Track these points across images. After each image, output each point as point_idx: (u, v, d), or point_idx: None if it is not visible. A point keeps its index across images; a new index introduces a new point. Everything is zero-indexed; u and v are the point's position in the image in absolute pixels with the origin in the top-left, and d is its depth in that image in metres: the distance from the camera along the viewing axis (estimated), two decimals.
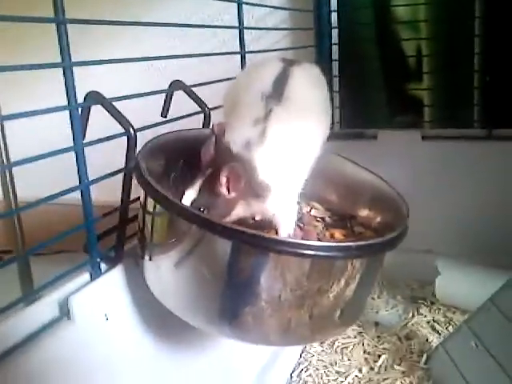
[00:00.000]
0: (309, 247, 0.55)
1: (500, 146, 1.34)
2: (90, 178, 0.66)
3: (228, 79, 0.87)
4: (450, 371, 1.02)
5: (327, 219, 0.81)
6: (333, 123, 1.50)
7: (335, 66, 1.48)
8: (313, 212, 0.82)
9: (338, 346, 1.17)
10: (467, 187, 1.37)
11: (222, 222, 0.56)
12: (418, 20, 1.40)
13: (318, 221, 0.81)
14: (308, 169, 0.72)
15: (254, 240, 0.55)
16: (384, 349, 1.14)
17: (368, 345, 1.16)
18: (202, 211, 0.63)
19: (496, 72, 1.34)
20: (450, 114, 1.40)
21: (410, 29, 1.40)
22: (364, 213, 0.78)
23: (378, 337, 1.19)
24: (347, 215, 0.81)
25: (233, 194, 0.64)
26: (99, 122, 0.70)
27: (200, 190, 0.64)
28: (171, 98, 0.77)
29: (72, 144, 0.63)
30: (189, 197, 0.63)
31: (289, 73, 0.72)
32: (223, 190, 0.64)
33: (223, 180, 0.63)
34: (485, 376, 0.96)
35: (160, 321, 0.70)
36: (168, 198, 0.58)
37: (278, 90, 0.70)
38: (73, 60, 0.61)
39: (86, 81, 0.73)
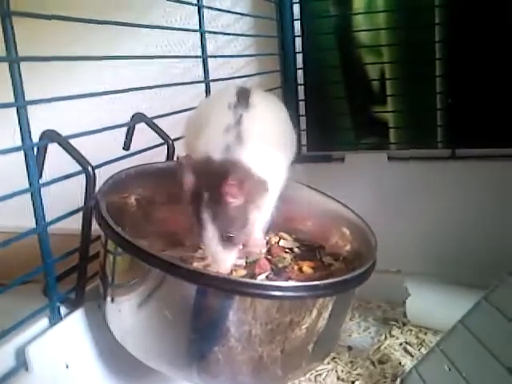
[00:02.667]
0: (276, 288, 0.54)
1: (463, 165, 1.36)
2: (48, 205, 0.63)
3: (191, 109, 0.86)
4: None
5: (296, 250, 0.80)
6: (300, 146, 1.52)
7: (301, 90, 1.50)
8: (281, 243, 0.81)
9: (311, 374, 1.15)
10: (433, 206, 1.39)
11: (185, 265, 0.54)
12: (380, 44, 1.42)
13: (286, 252, 0.80)
14: (284, 174, 0.75)
15: (219, 283, 0.53)
16: (358, 374, 1.13)
17: (342, 371, 1.15)
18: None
19: (458, 94, 1.38)
20: (415, 135, 1.42)
21: (372, 53, 1.43)
22: (332, 243, 0.78)
23: (351, 362, 1.17)
24: (316, 245, 0.80)
25: (241, 199, 0.63)
26: (57, 156, 0.68)
27: (213, 215, 0.63)
28: (133, 132, 0.76)
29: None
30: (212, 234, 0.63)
31: (250, 90, 0.76)
32: (231, 199, 0.63)
33: (229, 189, 0.62)
34: None
35: (124, 366, 0.68)
36: (128, 241, 0.56)
37: (244, 101, 0.72)
38: (26, 97, 0.59)
39: (45, 114, 0.71)
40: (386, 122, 1.44)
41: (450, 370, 0.99)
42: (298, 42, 1.48)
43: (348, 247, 0.75)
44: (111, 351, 0.65)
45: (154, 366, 0.62)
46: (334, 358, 1.19)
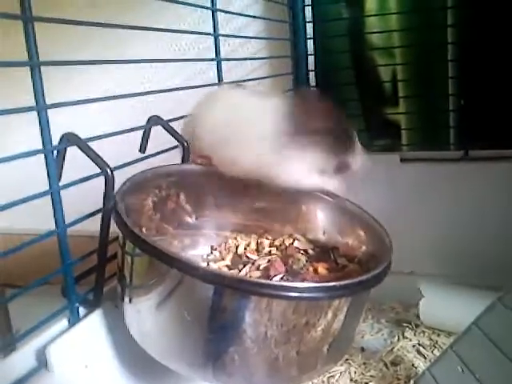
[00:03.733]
0: (293, 289, 0.55)
1: (476, 166, 1.35)
2: (67, 206, 0.64)
3: None
4: None
5: (310, 251, 0.81)
6: None
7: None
8: (296, 244, 0.82)
9: (324, 375, 1.16)
10: (446, 208, 1.38)
11: (202, 266, 0.55)
12: (393, 46, 1.43)
13: (301, 253, 0.80)
14: None
15: (236, 284, 0.54)
16: (371, 376, 1.13)
17: (355, 372, 1.15)
18: None
19: (470, 95, 1.37)
20: (427, 137, 1.43)
21: (384, 55, 1.43)
22: (347, 244, 0.78)
23: (364, 363, 1.17)
24: (330, 246, 0.81)
25: None
26: (75, 157, 0.69)
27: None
28: (149, 135, 0.77)
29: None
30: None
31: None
32: None
33: None
34: None
35: (142, 366, 0.68)
36: (146, 241, 0.56)
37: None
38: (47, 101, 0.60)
39: (59, 119, 0.72)
40: (398, 124, 1.45)
41: (463, 371, 0.99)
42: (310, 44, 1.50)
43: (363, 248, 0.75)
44: (129, 351, 0.66)
45: (171, 367, 0.63)
46: (347, 359, 1.19)
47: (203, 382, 0.67)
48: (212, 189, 0.77)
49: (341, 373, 1.16)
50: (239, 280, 0.55)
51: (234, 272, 0.75)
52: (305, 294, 0.56)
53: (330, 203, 0.80)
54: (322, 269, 0.74)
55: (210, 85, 1.00)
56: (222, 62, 1.08)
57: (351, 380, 1.14)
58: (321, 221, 0.80)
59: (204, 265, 0.60)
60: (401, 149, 1.45)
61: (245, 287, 0.56)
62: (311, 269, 0.74)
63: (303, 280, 0.72)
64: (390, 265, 0.65)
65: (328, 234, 0.79)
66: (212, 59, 1.01)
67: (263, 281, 0.61)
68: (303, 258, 0.77)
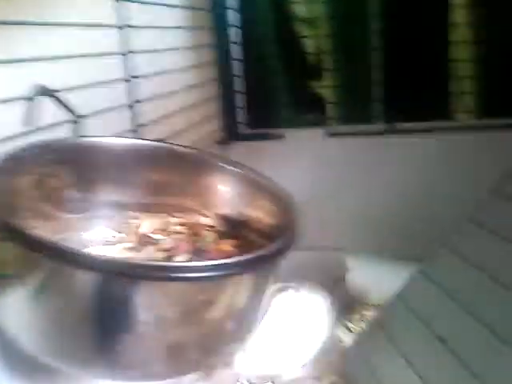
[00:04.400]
0: (183, 270, 0.50)
1: (401, 139, 1.36)
2: None
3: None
4: (364, 371, 1.01)
5: (218, 228, 0.76)
6: (236, 124, 1.48)
7: (240, 65, 1.45)
8: (203, 220, 0.77)
9: None
10: (373, 182, 1.38)
11: (81, 251, 0.49)
12: (316, 17, 1.40)
13: (209, 230, 0.76)
14: None
15: (119, 269, 0.48)
16: None
17: None
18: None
19: (395, 67, 1.37)
20: (353, 111, 1.41)
21: (308, 26, 1.39)
22: (255, 217, 0.74)
23: None
24: (238, 221, 0.76)
25: None
26: None
27: None
28: (36, 106, 0.69)
29: None
30: None
31: None
32: None
33: None
34: (396, 374, 0.96)
35: (19, 365, 0.62)
36: (11, 226, 0.50)
37: None
38: None
39: None
40: (324, 98, 1.42)
41: (388, 343, 0.98)
42: (236, 16, 1.44)
43: (272, 221, 0.71)
44: (4, 349, 0.59)
45: (57, 364, 0.57)
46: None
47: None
48: (103, 163, 0.70)
49: None
50: (120, 264, 0.50)
51: (118, 256, 0.69)
52: (195, 274, 0.51)
53: (236, 174, 0.75)
54: (227, 245, 0.70)
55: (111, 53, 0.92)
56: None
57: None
58: (228, 194, 0.75)
59: (82, 250, 0.53)
60: (327, 123, 1.43)
61: (128, 272, 0.49)
62: (217, 246, 0.70)
63: (209, 259, 0.68)
64: (292, 238, 0.61)
65: (236, 207, 0.75)
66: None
67: (143, 262, 0.56)
68: (210, 236, 0.72)
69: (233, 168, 0.74)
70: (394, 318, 1.01)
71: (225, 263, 0.51)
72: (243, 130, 1.45)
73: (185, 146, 0.73)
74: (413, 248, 1.17)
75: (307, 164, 1.38)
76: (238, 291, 0.58)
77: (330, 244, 1.32)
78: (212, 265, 0.51)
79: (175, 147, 0.73)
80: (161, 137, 1.08)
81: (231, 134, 1.41)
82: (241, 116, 1.45)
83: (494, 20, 1.30)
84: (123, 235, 0.77)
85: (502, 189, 1.00)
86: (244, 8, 1.40)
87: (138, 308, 0.53)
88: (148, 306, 0.54)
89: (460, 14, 1.31)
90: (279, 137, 1.41)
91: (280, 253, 0.57)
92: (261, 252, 0.54)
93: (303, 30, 1.38)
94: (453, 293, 0.92)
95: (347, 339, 1.14)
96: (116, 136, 0.82)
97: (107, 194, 0.75)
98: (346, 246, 1.35)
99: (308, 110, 1.44)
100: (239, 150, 1.39)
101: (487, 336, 0.83)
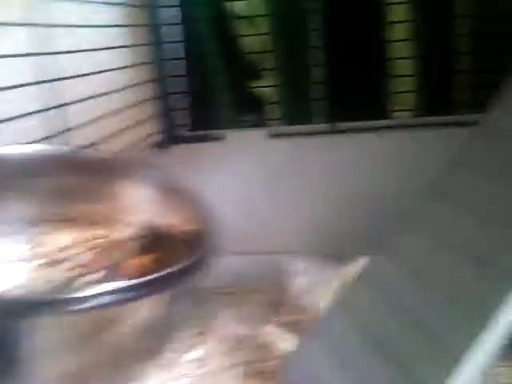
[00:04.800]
0: (79, 301, 0.45)
1: (345, 139, 1.33)
2: None
3: None
4: (305, 376, 0.98)
5: (138, 239, 0.71)
6: (174, 126, 1.43)
7: (180, 65, 1.40)
8: (121, 231, 0.72)
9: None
10: (317, 183, 1.35)
11: None
12: (256, 15, 1.36)
13: (127, 243, 0.71)
14: None
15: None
16: (241, 360, 1.08)
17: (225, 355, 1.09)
18: None
19: (336, 66, 1.34)
20: (296, 110, 1.38)
21: (248, 24, 1.35)
22: (176, 226, 0.70)
23: (234, 347, 1.11)
24: (157, 230, 0.72)
25: None
26: None
27: None
28: None
29: None
30: None
31: None
32: None
33: None
34: (335, 378, 0.94)
35: None
36: None
37: None
38: None
39: None
40: (266, 97, 1.38)
41: (327, 347, 0.96)
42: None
43: (192, 230, 0.67)
44: None
45: None
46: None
47: None
48: (9, 175, 0.64)
49: (209, 357, 1.10)
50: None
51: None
52: (89, 304, 0.46)
53: (151, 180, 0.70)
54: (147, 260, 0.65)
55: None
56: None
57: (220, 366, 1.07)
58: (145, 202, 0.71)
59: None
60: (270, 124, 1.40)
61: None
62: (135, 261, 0.66)
63: (123, 276, 0.63)
64: (208, 250, 0.57)
65: (153, 215, 0.70)
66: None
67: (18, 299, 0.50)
68: (127, 249, 0.68)
69: (150, 174, 0.70)
70: (332, 321, 0.99)
71: (113, 290, 0.46)
72: (182, 132, 1.40)
73: (96, 152, 0.68)
74: (356, 250, 1.16)
75: (249, 166, 1.34)
76: (144, 308, 0.53)
77: (272, 248, 1.30)
78: (97, 294, 0.46)
79: (86, 153, 0.68)
80: (91, 141, 1.03)
81: (169, 136, 1.36)
82: (180, 117, 1.40)
83: (432, 18, 1.31)
84: (38, 250, 0.71)
85: (437, 187, 1.00)
86: (183, 5, 1.35)
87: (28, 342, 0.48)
88: (37, 339, 0.49)
89: (399, 12, 1.30)
90: (220, 138, 1.37)
91: (187, 272, 0.53)
92: (163, 273, 0.50)
93: (243, 28, 1.34)
94: (389, 296, 0.91)
95: (286, 344, 1.12)
96: (25, 144, 0.77)
97: (16, 208, 0.69)
98: (289, 249, 1.33)
99: (249, 111, 1.40)
100: (178, 153, 1.34)
101: (422, 337, 0.82)
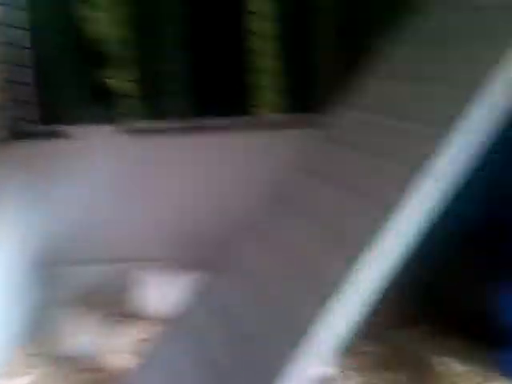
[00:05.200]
0: None
1: (210, 136, 1.25)
2: None
3: None
4: None
5: None
6: (24, 120, 1.27)
7: (26, 55, 1.24)
8: None
9: None
10: (174, 185, 1.27)
11: None
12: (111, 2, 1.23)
13: None
14: None
15: None
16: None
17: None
18: None
19: (197, 60, 1.26)
20: (156, 106, 1.27)
21: (91, 9, 1.22)
22: None
23: (71, 371, 1.00)
24: None
25: None
26: None
27: None
28: None
29: None
30: None
31: None
32: None
33: None
34: None
35: None
36: None
37: None
38: None
39: None
40: (122, 91, 1.26)
41: (161, 360, 0.88)
42: None
43: None
44: None
45: None
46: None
47: None
48: None
49: None
50: None
51: None
52: None
53: None
54: None
55: None
56: None
57: None
58: None
59: None
60: (127, 119, 1.26)
61: None
62: None
63: None
64: None
65: None
66: None
67: None
68: None
69: None
70: (167, 343, 0.92)
71: None
72: (29, 127, 1.25)
73: None
74: (205, 255, 1.09)
75: (100, 165, 1.23)
76: None
77: (118, 255, 1.22)
78: None
79: None
80: None
81: (13, 132, 1.20)
82: (26, 111, 1.25)
83: (293, 13, 1.27)
84: None
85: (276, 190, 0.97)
86: None
87: None
88: None
89: (260, 4, 1.25)
90: (68, 135, 1.23)
91: None
92: None
93: (93, 15, 1.22)
94: (224, 316, 0.86)
95: (124, 364, 1.02)
96: None
97: None
98: (137, 256, 1.24)
99: (102, 105, 1.26)
100: (22, 150, 1.19)
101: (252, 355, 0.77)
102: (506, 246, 0.83)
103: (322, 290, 0.72)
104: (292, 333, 0.70)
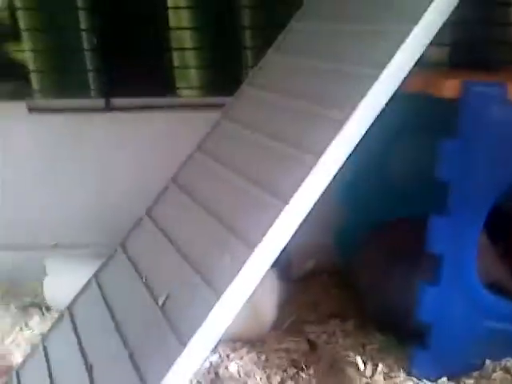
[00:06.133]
0: None
1: (120, 117, 1.16)
2: None
3: None
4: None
5: None
6: None
7: None
8: None
9: None
10: (87, 167, 1.18)
11: None
12: None
13: None
14: None
15: None
16: None
17: None
18: None
19: (107, 33, 1.15)
20: (62, 82, 1.16)
21: None
22: None
23: None
24: None
25: None
26: None
27: None
28: None
29: None
30: None
31: None
32: None
33: None
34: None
35: None
36: None
37: None
38: None
39: None
40: (24, 64, 1.14)
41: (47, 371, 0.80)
42: None
43: None
44: None
45: None
46: None
47: None
48: None
49: None
50: None
51: None
52: None
53: None
54: None
55: None
56: None
57: None
58: None
59: None
60: (29, 96, 1.15)
61: None
62: None
63: None
64: None
65: None
66: None
67: None
68: None
69: None
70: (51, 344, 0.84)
71: None
72: None
73: None
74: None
75: (4, 146, 1.13)
76: None
77: (24, 242, 1.13)
78: None
79: None
80: None
81: None
82: None
83: None
84: None
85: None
86: None
87: None
88: None
89: None
90: None
91: None
92: None
93: None
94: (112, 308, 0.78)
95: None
96: None
97: None
98: (43, 243, 1.16)
99: (4, 79, 1.16)
100: None
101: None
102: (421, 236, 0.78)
103: (216, 281, 0.67)
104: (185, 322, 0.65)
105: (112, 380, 0.70)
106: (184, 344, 0.64)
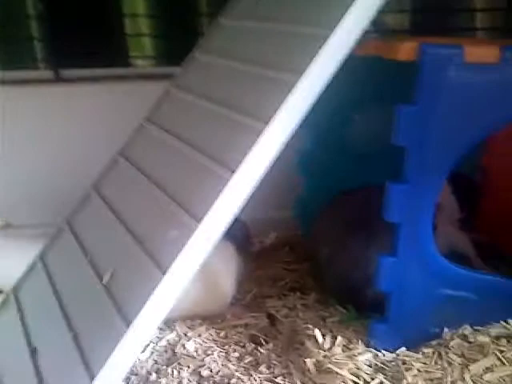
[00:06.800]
0: None
1: (69, 89, 1.11)
2: None
3: None
4: None
5: None
6: None
7: None
8: None
9: None
10: (37, 141, 1.12)
11: None
12: None
13: None
14: None
15: None
16: None
17: None
18: None
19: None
20: (7, 52, 1.11)
21: None
22: None
23: None
24: None
25: None
26: None
27: None
28: None
29: None
30: None
31: None
32: None
33: None
34: None
35: None
36: None
37: None
38: None
39: None
40: None
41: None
42: None
43: None
44: None
45: None
46: None
47: None
48: None
49: None
50: None
51: None
52: None
53: None
54: None
55: None
56: None
57: None
58: None
59: None
60: None
61: None
62: None
63: None
64: None
65: None
66: None
67: None
68: None
69: None
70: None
71: None
72: None
73: None
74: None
75: None
76: None
77: None
78: None
79: None
80: None
81: None
82: None
83: None
84: None
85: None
86: None
87: None
88: None
89: None
90: None
91: None
92: None
93: None
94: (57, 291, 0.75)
95: None
96: None
97: None
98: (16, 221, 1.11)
99: None
100: None
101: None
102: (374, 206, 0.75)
103: (161, 257, 0.64)
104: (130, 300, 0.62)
105: (56, 363, 0.67)
106: (128, 323, 0.61)
